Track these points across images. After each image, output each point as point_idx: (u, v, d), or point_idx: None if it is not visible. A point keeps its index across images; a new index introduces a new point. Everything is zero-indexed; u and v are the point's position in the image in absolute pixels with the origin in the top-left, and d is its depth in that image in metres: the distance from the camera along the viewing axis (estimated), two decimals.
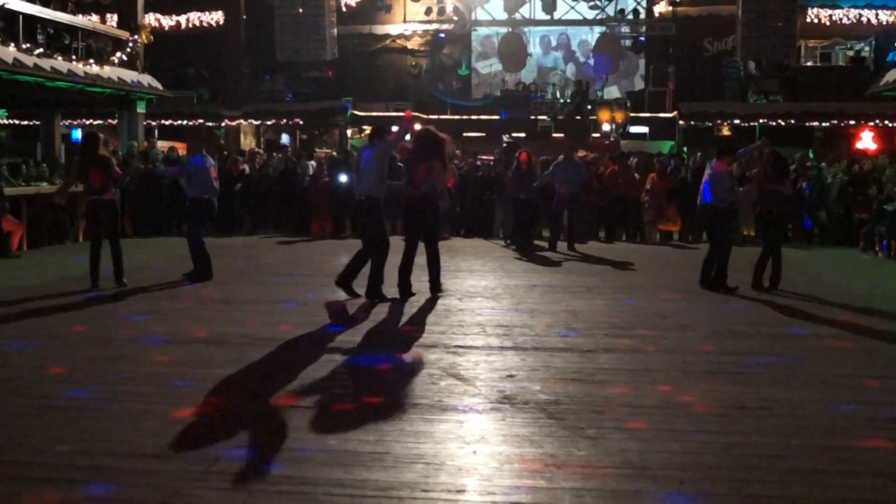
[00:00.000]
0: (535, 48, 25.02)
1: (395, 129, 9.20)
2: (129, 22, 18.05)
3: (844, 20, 22.53)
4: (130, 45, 17.49)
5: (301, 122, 22.92)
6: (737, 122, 20.58)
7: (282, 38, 22.42)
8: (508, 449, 4.35)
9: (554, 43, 25.31)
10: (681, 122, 20.91)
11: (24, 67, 13.85)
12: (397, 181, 9.61)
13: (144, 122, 19.21)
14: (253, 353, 6.34)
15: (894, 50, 21.57)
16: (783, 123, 20.24)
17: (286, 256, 13.03)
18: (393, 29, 24.93)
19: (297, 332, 7.17)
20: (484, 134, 22.41)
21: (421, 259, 8.92)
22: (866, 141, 20.21)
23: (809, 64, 22.85)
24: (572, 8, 23.94)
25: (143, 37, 17.92)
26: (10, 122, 22.40)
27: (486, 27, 24.81)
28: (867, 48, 22.70)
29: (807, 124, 20.45)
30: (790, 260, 11.64)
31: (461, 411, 4.97)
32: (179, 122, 22.05)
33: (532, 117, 22.11)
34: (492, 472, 4.03)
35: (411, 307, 8.36)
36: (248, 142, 23.66)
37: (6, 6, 13.92)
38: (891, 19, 22.36)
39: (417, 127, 9.21)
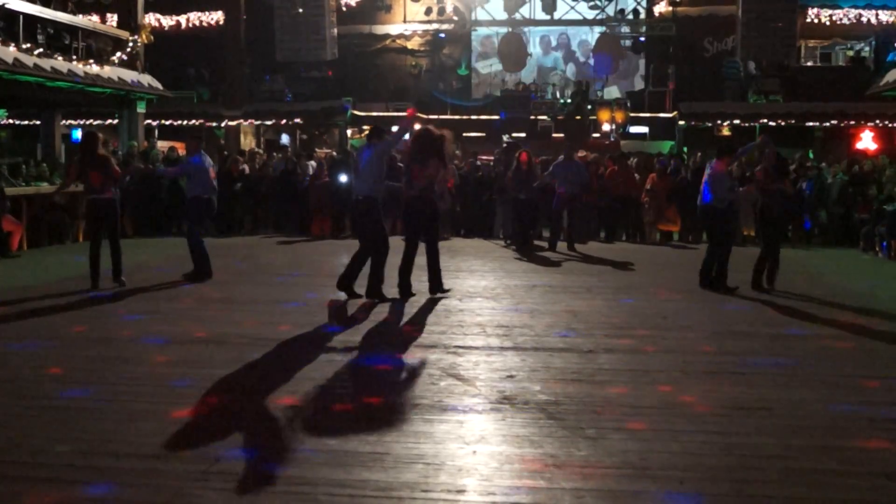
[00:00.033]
0: (535, 48, 25.01)
1: (394, 129, 9.19)
2: (129, 22, 18.06)
3: (844, 20, 22.53)
4: (130, 45, 17.48)
5: (301, 122, 22.93)
6: (737, 122, 20.59)
7: (282, 38, 22.42)
8: (508, 449, 4.35)
9: (554, 43, 25.30)
10: (681, 122, 20.92)
11: (24, 67, 13.85)
12: (397, 182, 9.61)
13: (144, 122, 19.22)
14: (253, 354, 6.34)
15: (894, 50, 21.58)
16: (783, 123, 20.24)
17: (286, 256, 13.03)
18: (393, 29, 24.93)
19: (297, 332, 7.17)
20: (484, 134, 22.41)
21: (421, 259, 8.92)
22: (866, 141, 20.21)
23: (809, 64, 22.85)
24: (572, 8, 23.93)
25: (144, 37, 17.92)
26: (11, 122, 22.38)
27: (486, 27, 24.80)
28: (867, 48, 22.70)
29: (807, 124, 20.47)
30: (790, 260, 11.65)
31: (461, 411, 4.97)
32: (179, 122, 22.06)
33: (532, 117, 22.11)
34: (492, 472, 4.03)
35: (411, 307, 8.36)
36: (248, 142, 23.66)
37: (6, 6, 13.92)
38: (891, 19, 22.35)
39: (417, 127, 9.18)
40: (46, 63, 14.50)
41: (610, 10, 23.81)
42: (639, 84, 24.36)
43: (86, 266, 9.42)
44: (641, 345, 6.79)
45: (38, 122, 19.32)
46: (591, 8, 23.85)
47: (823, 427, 4.75)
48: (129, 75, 17.11)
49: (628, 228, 15.93)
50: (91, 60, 15.92)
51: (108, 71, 16.36)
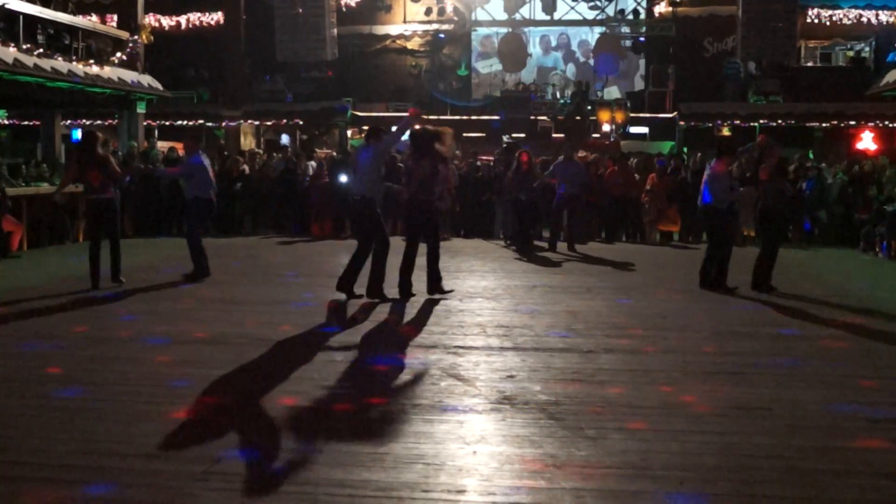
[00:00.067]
0: (535, 48, 25.01)
1: (394, 129, 9.20)
2: (129, 22, 18.04)
3: (844, 20, 22.52)
4: (130, 45, 17.48)
5: (301, 123, 22.93)
6: (737, 122, 20.57)
7: (282, 38, 22.42)
8: (508, 449, 4.34)
9: (554, 43, 25.30)
10: (681, 123, 20.91)
11: (24, 68, 13.84)
12: (398, 183, 9.62)
13: (144, 123, 19.20)
14: (253, 354, 6.35)
15: (894, 50, 21.57)
16: (783, 124, 20.24)
17: (286, 257, 13.03)
18: (393, 29, 24.92)
19: (297, 332, 7.17)
20: (484, 134, 22.40)
21: (422, 260, 8.92)
22: (866, 141, 20.20)
23: (809, 64, 22.83)
24: (572, 8, 23.94)
25: (144, 37, 17.91)
26: (11, 122, 22.39)
27: (486, 27, 24.79)
28: (867, 48, 22.69)
29: (807, 125, 20.46)
30: (790, 260, 11.66)
31: (461, 412, 4.97)
32: (179, 122, 22.05)
33: (532, 117, 22.10)
34: (492, 472, 4.03)
35: (411, 307, 8.36)
36: (248, 142, 23.65)
37: (6, 6, 13.92)
38: (891, 19, 22.35)
39: (417, 127, 9.19)
40: (46, 63, 14.50)
41: (610, 11, 23.81)
42: (639, 84, 24.36)
43: (86, 266, 9.42)
44: (641, 345, 6.80)
45: (38, 123, 19.31)
46: (591, 8, 23.86)
47: (823, 427, 4.75)
48: (129, 75, 17.11)
49: (628, 228, 15.93)
50: (91, 61, 15.91)
51: (108, 71, 16.35)
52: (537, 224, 14.73)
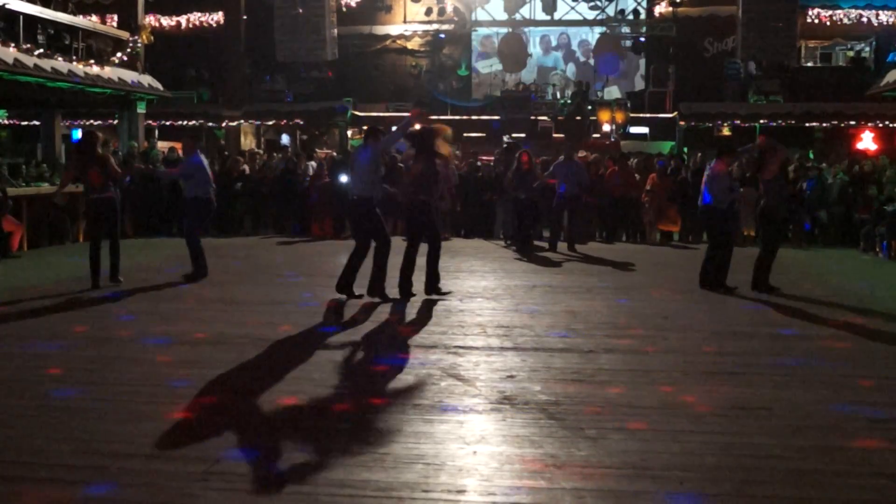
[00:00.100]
0: (535, 48, 25.00)
1: (394, 129, 9.20)
2: (129, 22, 18.04)
3: (845, 20, 22.53)
4: (131, 45, 17.48)
5: (301, 123, 22.94)
6: (737, 122, 20.58)
7: (282, 38, 22.42)
8: (509, 449, 4.34)
9: (554, 43, 25.29)
10: (681, 123, 20.92)
11: (24, 68, 13.85)
12: (394, 184, 9.64)
13: (144, 123, 19.21)
14: (253, 354, 6.35)
15: (894, 50, 21.57)
16: (783, 124, 20.24)
17: (286, 257, 13.03)
18: (393, 29, 24.92)
19: (297, 332, 7.17)
20: (484, 134, 22.40)
21: (422, 260, 8.92)
22: (866, 141, 20.21)
23: (809, 64, 22.84)
24: (572, 8, 23.93)
25: (144, 37, 17.91)
26: (11, 122, 22.39)
27: (486, 27, 24.79)
28: (867, 48, 22.69)
29: (807, 125, 20.47)
30: (790, 260, 11.66)
31: (461, 412, 4.97)
32: (180, 122, 22.05)
33: (532, 118, 22.09)
34: (492, 472, 4.03)
35: (412, 307, 8.36)
36: (248, 142, 23.65)
37: (6, 6, 13.92)
38: (891, 19, 22.35)
39: (417, 127, 9.20)
40: (47, 63, 14.50)
41: (610, 11, 23.80)
42: (639, 84, 24.35)
43: (86, 266, 9.42)
44: (641, 345, 6.79)
45: (38, 123, 19.31)
46: (592, 8, 23.84)
47: (823, 427, 4.75)
48: (130, 76, 17.11)
49: (628, 228, 15.93)
50: (91, 61, 15.91)
51: (108, 71, 16.36)
52: (537, 224, 14.73)
